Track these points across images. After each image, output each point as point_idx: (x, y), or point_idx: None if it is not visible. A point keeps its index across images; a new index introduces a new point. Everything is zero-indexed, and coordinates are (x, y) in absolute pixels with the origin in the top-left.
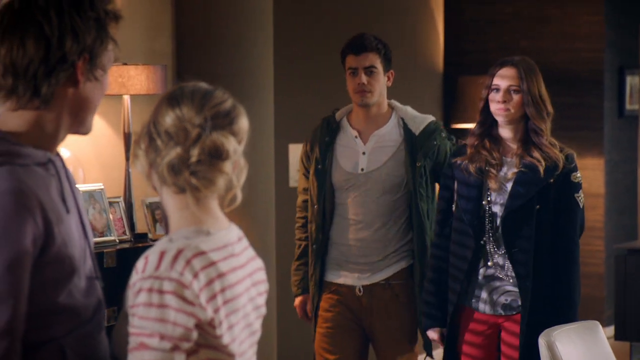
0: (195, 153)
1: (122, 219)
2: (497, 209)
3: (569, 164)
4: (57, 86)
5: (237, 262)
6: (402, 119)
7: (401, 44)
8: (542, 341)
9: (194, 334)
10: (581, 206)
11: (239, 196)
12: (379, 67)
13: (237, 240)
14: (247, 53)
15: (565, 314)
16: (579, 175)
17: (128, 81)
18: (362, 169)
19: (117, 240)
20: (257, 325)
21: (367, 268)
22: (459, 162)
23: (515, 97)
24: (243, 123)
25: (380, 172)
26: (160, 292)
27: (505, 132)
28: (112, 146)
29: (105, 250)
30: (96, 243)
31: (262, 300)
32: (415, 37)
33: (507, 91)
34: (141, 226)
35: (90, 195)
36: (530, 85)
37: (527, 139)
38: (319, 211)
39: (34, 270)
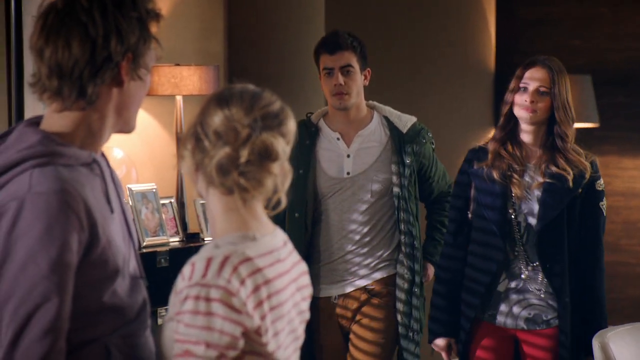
0: (245, 153)
1: (175, 219)
2: (521, 219)
3: (594, 172)
4: (102, 86)
5: (283, 267)
6: (386, 118)
7: (452, 44)
8: (595, 342)
9: (241, 342)
10: (604, 214)
11: (284, 201)
12: (356, 66)
13: (283, 244)
14: (299, 53)
15: (599, 325)
16: (602, 182)
17: (181, 82)
18: (348, 173)
19: (170, 240)
20: (301, 330)
21: (348, 278)
22: (477, 167)
23: (544, 99)
24: (291, 125)
25: (368, 174)
26: (208, 299)
27: (527, 136)
28: (165, 146)
29: (157, 250)
30: (149, 243)
31: (305, 305)
32: (466, 37)
33: (536, 92)
34: (193, 226)
35: (143, 195)
36: (561, 89)
37: (551, 144)
38: (300, 219)
39: (79, 270)
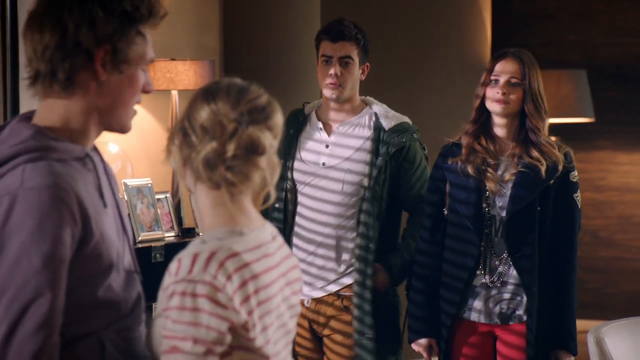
0: (231, 147)
1: (170, 214)
2: (495, 213)
3: (568, 163)
4: (75, 72)
5: (271, 261)
6: (376, 114)
7: (448, 39)
8: (590, 337)
9: (228, 338)
10: (579, 206)
11: (273, 194)
12: (356, 58)
13: (272, 239)
14: (294, 49)
15: (567, 321)
16: (576, 174)
17: (176, 76)
18: (324, 163)
19: (165, 235)
20: (292, 324)
21: (320, 279)
22: (451, 163)
23: (516, 91)
24: (278, 119)
25: (342, 167)
26: (194, 295)
27: (500, 129)
28: (160, 141)
29: (153, 245)
30: (144, 238)
31: (296, 299)
32: (462, 32)
33: (508, 83)
34: (188, 221)
35: (139, 190)
36: (532, 81)
37: (524, 138)
38: (280, 211)
39: (73, 265)
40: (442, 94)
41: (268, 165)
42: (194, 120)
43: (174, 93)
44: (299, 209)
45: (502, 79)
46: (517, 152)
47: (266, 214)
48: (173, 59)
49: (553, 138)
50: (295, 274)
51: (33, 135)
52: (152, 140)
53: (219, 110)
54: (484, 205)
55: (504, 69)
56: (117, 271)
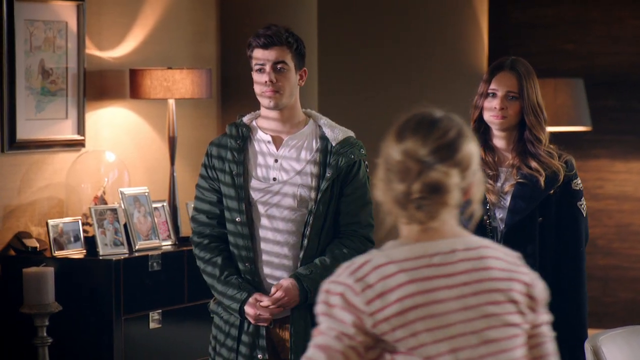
0: (416, 189)
1: (167, 222)
2: (496, 224)
3: (569, 171)
4: None
5: (436, 271)
6: (320, 127)
7: (445, 47)
8: (588, 346)
9: (357, 333)
10: (584, 214)
11: (478, 210)
12: (290, 63)
13: (450, 250)
14: None
15: (576, 332)
16: (579, 182)
17: (173, 85)
18: (275, 179)
19: (162, 244)
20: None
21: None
22: None
23: (513, 104)
24: (467, 149)
25: (294, 182)
26: (329, 292)
27: (499, 140)
28: (157, 150)
29: (150, 254)
30: (141, 246)
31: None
32: (459, 40)
33: (505, 97)
34: (185, 229)
35: (135, 199)
36: (530, 93)
37: (523, 148)
38: (242, 224)
39: None
40: (438, 102)
41: (470, 189)
42: (386, 158)
43: (171, 102)
44: (254, 230)
45: (500, 93)
46: (516, 163)
47: (223, 226)
48: (170, 68)
49: (553, 146)
50: (497, 284)
51: None
52: (149, 148)
53: (408, 151)
54: (484, 217)
55: (501, 83)
56: None
